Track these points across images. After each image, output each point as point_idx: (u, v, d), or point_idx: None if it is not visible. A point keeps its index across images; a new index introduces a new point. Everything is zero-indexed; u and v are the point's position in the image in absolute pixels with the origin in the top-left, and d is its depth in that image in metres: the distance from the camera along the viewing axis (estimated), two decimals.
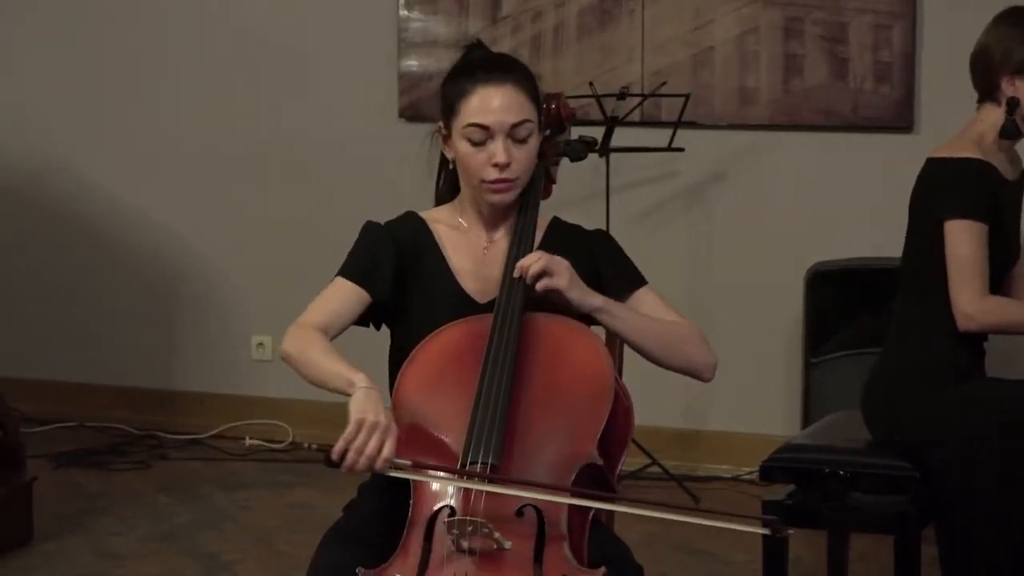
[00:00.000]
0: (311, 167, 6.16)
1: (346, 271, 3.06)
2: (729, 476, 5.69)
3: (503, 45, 5.82)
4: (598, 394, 2.85)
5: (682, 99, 5.39)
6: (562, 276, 2.94)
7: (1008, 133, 3.85)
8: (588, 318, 3.03)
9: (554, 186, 3.21)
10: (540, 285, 2.93)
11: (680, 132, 5.43)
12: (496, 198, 3.02)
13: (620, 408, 2.90)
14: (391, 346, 3.09)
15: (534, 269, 2.92)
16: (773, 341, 5.66)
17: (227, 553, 4.98)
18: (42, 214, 6.52)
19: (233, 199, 6.27)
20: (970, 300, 3.76)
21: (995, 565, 3.73)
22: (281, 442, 6.13)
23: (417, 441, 2.83)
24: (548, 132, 3.16)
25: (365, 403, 2.77)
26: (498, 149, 2.97)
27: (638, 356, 3.09)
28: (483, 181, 3.00)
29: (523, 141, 2.99)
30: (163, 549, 5.03)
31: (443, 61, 5.89)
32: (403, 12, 5.97)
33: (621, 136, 5.46)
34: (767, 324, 5.66)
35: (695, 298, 5.74)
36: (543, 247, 3.05)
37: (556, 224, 3.16)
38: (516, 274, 2.94)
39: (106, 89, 6.40)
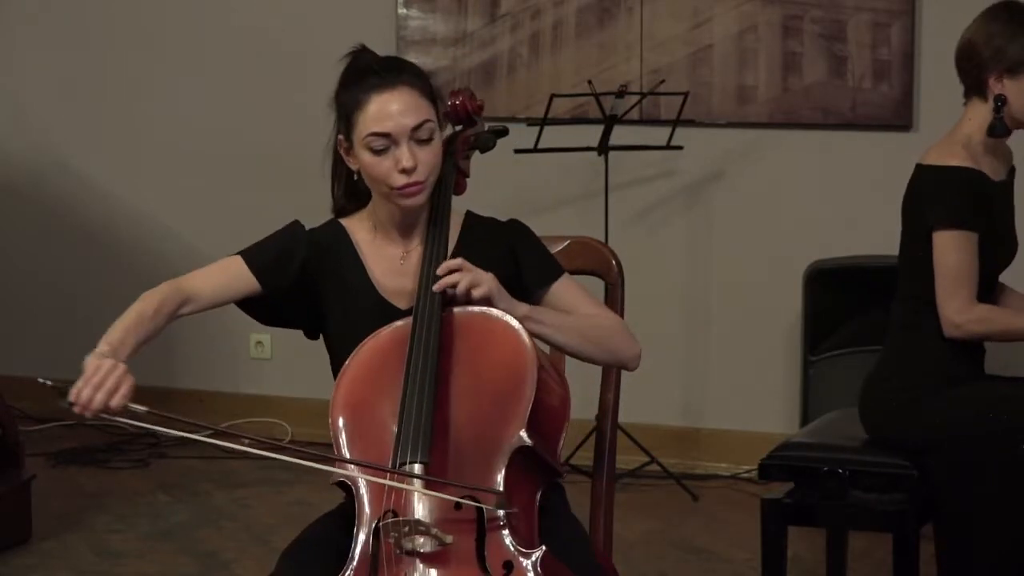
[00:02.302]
0: (310, 166, 6.12)
1: (247, 255, 3.07)
2: (728, 474, 5.69)
3: (501, 43, 5.83)
4: (519, 376, 2.85)
5: (681, 97, 5.39)
6: (490, 285, 2.92)
7: (996, 131, 3.83)
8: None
9: (467, 180, 3.19)
10: (473, 295, 2.92)
11: (679, 130, 5.44)
12: (408, 202, 2.99)
13: (548, 388, 2.90)
14: (329, 359, 3.09)
15: (461, 287, 2.91)
16: (772, 339, 5.66)
17: (226, 551, 4.99)
18: (42, 214, 6.52)
19: (232, 197, 6.27)
20: (958, 309, 3.77)
21: (993, 564, 3.73)
22: (280, 440, 6.13)
23: (356, 451, 2.86)
24: (459, 128, 3.15)
25: (101, 357, 2.82)
26: (403, 155, 2.94)
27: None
28: (392, 188, 2.97)
29: (426, 141, 2.97)
30: (162, 547, 5.04)
31: (442, 59, 5.90)
32: (402, 10, 5.97)
33: (620, 134, 5.46)
34: (766, 322, 5.66)
35: (694, 296, 5.75)
36: (461, 245, 3.05)
37: (471, 220, 3.13)
38: (438, 288, 2.91)
39: (106, 89, 6.40)
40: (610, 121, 5.43)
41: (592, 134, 5.44)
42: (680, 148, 5.47)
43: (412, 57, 5.94)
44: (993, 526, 3.71)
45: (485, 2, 5.87)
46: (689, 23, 5.65)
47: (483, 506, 2.75)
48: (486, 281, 2.92)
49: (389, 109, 2.96)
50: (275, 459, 2.89)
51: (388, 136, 2.95)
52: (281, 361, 6.24)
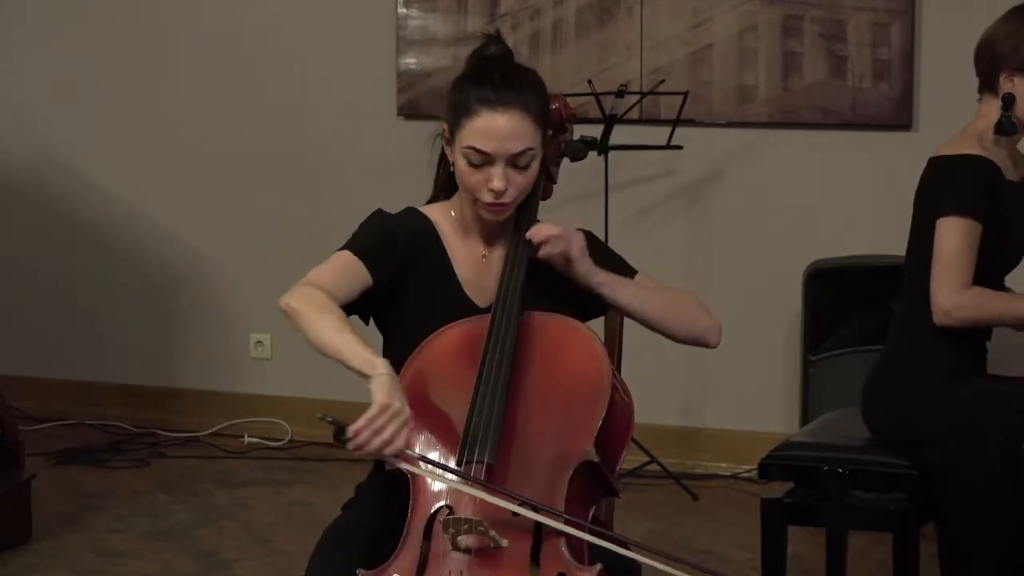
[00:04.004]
0: (309, 165, 6.15)
1: (354, 248, 3.01)
2: (728, 474, 5.69)
3: None
4: (594, 391, 2.85)
5: (681, 97, 5.39)
6: (577, 241, 2.98)
7: (1002, 129, 3.82)
8: (587, 307, 3.05)
9: (554, 185, 3.21)
10: (549, 246, 2.95)
11: (679, 130, 5.43)
12: (490, 217, 3.02)
13: (618, 405, 2.90)
14: (385, 346, 3.08)
15: (553, 241, 2.95)
16: (772, 339, 5.66)
17: (226, 551, 4.98)
18: (42, 213, 6.51)
19: (232, 197, 6.27)
20: (947, 294, 3.74)
21: (993, 564, 3.73)
22: (280, 440, 6.13)
23: (420, 440, 2.84)
24: (550, 133, 3.13)
25: (392, 390, 2.73)
26: (496, 175, 2.94)
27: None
28: (477, 199, 2.99)
29: (524, 168, 2.96)
30: (162, 547, 5.04)
31: (441, 59, 5.89)
32: (401, 10, 5.97)
33: (619, 134, 5.46)
34: (766, 322, 5.66)
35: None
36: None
37: None
38: (532, 237, 2.96)
39: (106, 89, 6.40)
40: (610, 121, 5.43)
41: (592, 133, 5.43)
42: (680, 148, 5.47)
43: (412, 57, 5.95)
44: (993, 526, 3.71)
45: (485, 2, 5.86)
46: (689, 23, 5.65)
47: (545, 521, 2.72)
48: (576, 236, 2.98)
49: (496, 129, 2.93)
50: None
51: (487, 155, 2.94)
52: (281, 361, 6.24)
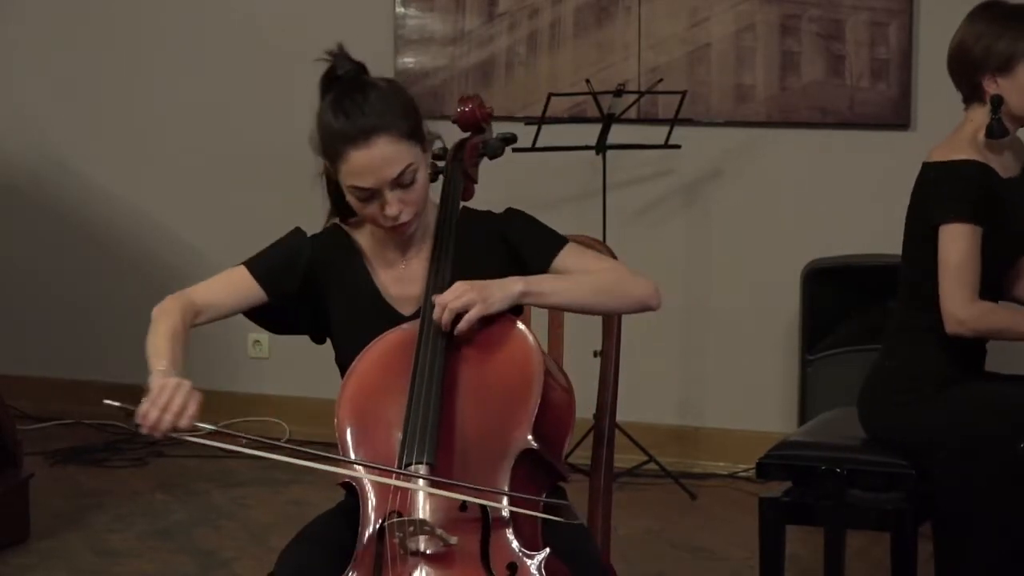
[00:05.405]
0: (308, 165, 6.13)
1: (251, 265, 3.07)
2: (726, 473, 5.69)
3: (499, 42, 5.83)
4: (526, 381, 2.87)
5: (679, 96, 5.39)
6: (476, 304, 2.90)
7: (994, 133, 3.78)
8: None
9: (475, 185, 3.20)
10: (463, 321, 2.89)
11: (677, 129, 5.44)
12: (398, 236, 3.02)
13: (554, 392, 2.91)
14: (335, 360, 3.10)
15: (446, 318, 2.89)
16: (770, 338, 5.66)
17: (224, 550, 4.99)
18: (41, 213, 6.52)
19: (230, 197, 6.28)
20: (961, 305, 3.73)
21: (991, 563, 3.72)
22: (278, 439, 6.13)
23: (361, 451, 2.87)
24: (468, 134, 3.15)
25: (167, 376, 2.78)
26: (387, 202, 2.93)
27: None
28: (380, 227, 2.99)
29: (411, 183, 2.94)
30: (160, 546, 5.04)
31: (439, 58, 5.90)
32: (399, 9, 5.97)
33: (618, 133, 5.46)
34: (764, 321, 5.66)
35: (692, 295, 5.74)
36: (459, 241, 3.04)
37: (467, 215, 3.13)
38: (440, 322, 2.90)
39: (106, 89, 6.40)
40: (608, 120, 5.43)
41: (590, 133, 5.44)
42: (678, 147, 5.47)
43: (410, 57, 5.95)
44: (992, 526, 3.71)
45: (483, 1, 5.86)
46: (687, 22, 5.66)
47: (488, 504, 2.76)
48: (470, 296, 2.89)
49: (367, 164, 2.92)
50: (274, 459, 2.89)
51: (369, 189, 2.94)
52: (279, 360, 6.24)
